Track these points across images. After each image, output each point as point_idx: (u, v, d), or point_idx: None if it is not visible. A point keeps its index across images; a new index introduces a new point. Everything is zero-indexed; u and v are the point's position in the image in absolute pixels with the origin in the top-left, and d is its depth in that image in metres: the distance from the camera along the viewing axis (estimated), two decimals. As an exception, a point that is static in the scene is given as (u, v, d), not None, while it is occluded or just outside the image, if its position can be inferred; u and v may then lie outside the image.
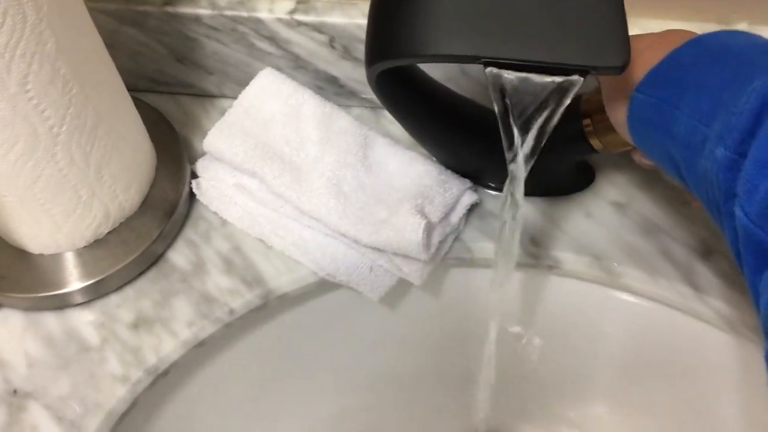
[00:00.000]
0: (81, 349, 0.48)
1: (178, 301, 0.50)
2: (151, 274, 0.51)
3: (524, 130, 0.39)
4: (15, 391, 0.47)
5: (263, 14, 0.52)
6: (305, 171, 0.52)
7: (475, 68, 0.38)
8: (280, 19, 0.52)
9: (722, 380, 0.53)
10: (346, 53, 0.53)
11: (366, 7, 0.41)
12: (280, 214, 0.52)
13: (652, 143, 0.40)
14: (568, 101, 0.37)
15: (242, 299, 0.50)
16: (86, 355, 0.48)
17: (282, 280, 0.51)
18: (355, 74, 0.55)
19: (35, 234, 0.48)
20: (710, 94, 0.36)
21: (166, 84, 0.58)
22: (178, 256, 0.52)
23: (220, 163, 0.53)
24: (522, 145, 0.39)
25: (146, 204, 0.51)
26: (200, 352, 0.50)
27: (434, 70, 0.50)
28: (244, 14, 0.51)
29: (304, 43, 0.53)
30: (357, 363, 0.59)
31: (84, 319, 0.49)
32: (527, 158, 0.40)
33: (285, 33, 0.53)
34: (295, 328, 0.55)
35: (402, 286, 0.52)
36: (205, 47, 0.55)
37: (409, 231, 0.48)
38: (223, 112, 0.54)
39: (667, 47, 0.39)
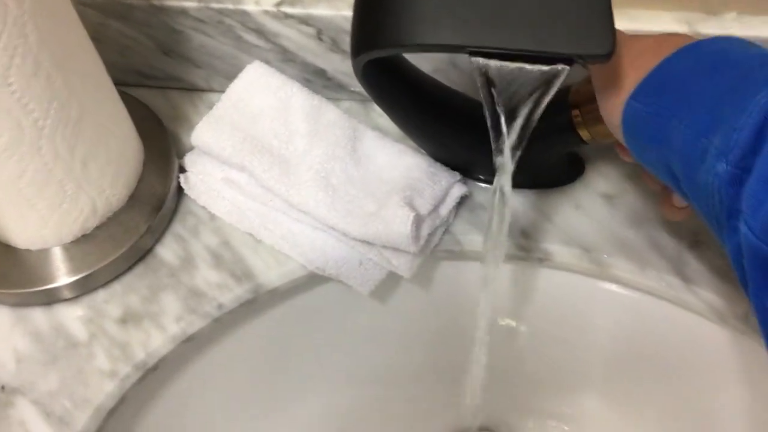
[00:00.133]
0: (69, 345, 0.48)
1: (167, 295, 0.50)
2: (139, 269, 0.51)
3: (511, 120, 0.39)
4: (3, 387, 0.47)
5: (250, 6, 0.51)
6: (294, 164, 0.51)
7: (464, 60, 0.38)
8: (266, 12, 0.51)
9: (712, 371, 0.53)
10: (334, 46, 0.53)
11: (353, -2, 0.41)
12: (269, 208, 0.52)
13: (647, 151, 0.40)
14: (554, 90, 0.37)
15: (231, 294, 0.50)
16: (74, 351, 0.48)
17: (271, 274, 0.51)
18: (344, 67, 0.55)
19: (21, 229, 0.48)
20: (709, 105, 0.35)
21: (155, 78, 0.58)
22: (167, 250, 0.52)
23: (209, 157, 0.53)
24: (508, 134, 0.39)
25: (134, 198, 0.51)
26: (189, 347, 0.50)
27: (424, 63, 0.50)
28: (230, 6, 0.51)
29: (291, 36, 0.53)
30: (347, 357, 0.59)
31: (72, 315, 0.49)
32: (514, 148, 0.40)
33: (272, 25, 0.52)
34: (284, 322, 0.54)
35: (392, 280, 0.52)
36: (192, 40, 0.54)
37: (397, 223, 0.48)
38: (211, 106, 0.54)
39: (663, 53, 0.38)
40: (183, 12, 0.52)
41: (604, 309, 0.54)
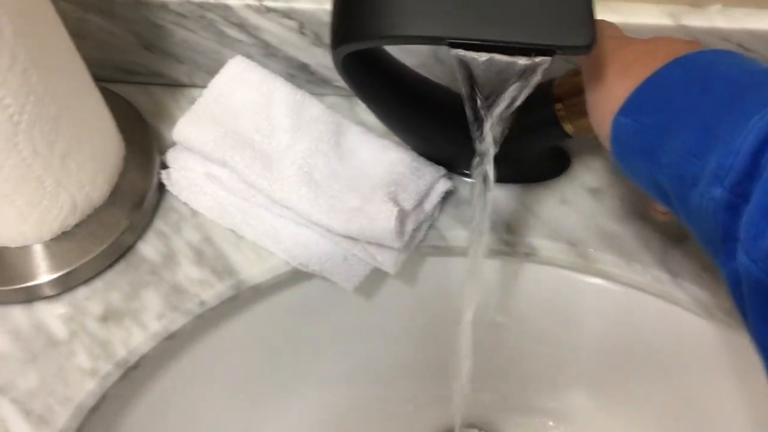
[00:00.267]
0: (49, 343, 0.48)
1: (148, 293, 0.49)
2: (120, 266, 0.50)
3: (491, 112, 0.38)
4: (-18, 386, 0.46)
5: (231, 0, 0.51)
6: (276, 159, 0.51)
7: (448, 54, 0.38)
8: (248, 6, 0.51)
9: (699, 364, 0.53)
10: (317, 40, 0.53)
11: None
12: (252, 204, 0.51)
13: (636, 168, 0.39)
14: (534, 82, 0.37)
15: (213, 290, 0.50)
16: (54, 349, 0.47)
17: (254, 271, 0.50)
18: (327, 61, 0.54)
19: (0, 226, 0.47)
20: (701, 124, 0.35)
21: (137, 74, 0.58)
22: (148, 247, 0.51)
23: (190, 153, 0.52)
24: (489, 127, 0.39)
25: (115, 195, 0.50)
26: (171, 344, 0.49)
27: (408, 57, 0.50)
28: (212, 0, 0.51)
29: (273, 30, 0.53)
30: (333, 354, 0.59)
31: (52, 313, 0.49)
32: (495, 141, 0.39)
33: (254, 19, 0.52)
34: (268, 319, 0.54)
35: (377, 276, 0.52)
36: (173, 35, 0.54)
37: (381, 219, 0.48)
38: (193, 102, 0.53)
39: (653, 63, 0.37)
40: (164, 6, 0.52)
41: (591, 304, 0.54)
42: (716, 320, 0.49)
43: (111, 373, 0.47)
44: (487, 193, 0.42)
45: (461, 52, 0.37)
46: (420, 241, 0.52)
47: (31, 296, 0.49)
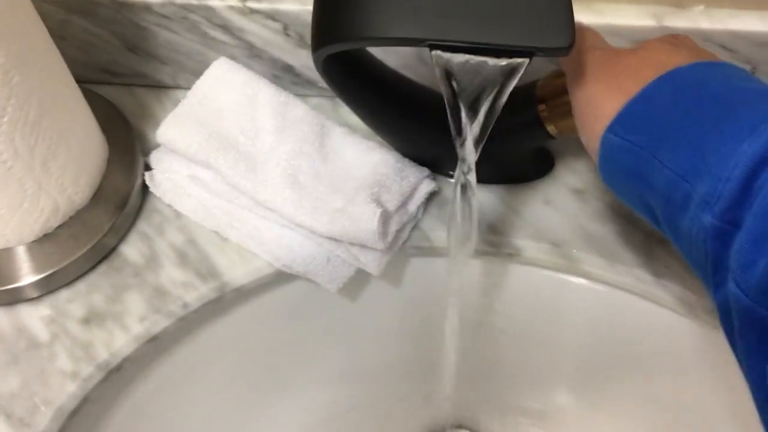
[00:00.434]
0: (31, 345, 0.47)
1: (131, 295, 0.49)
2: (102, 268, 0.50)
3: (472, 114, 0.38)
4: (-38, 389, 0.46)
5: (214, 2, 0.51)
6: (260, 161, 0.51)
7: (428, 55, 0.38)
8: (232, 7, 0.51)
9: (683, 364, 0.53)
10: (302, 41, 0.53)
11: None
12: (235, 205, 0.51)
13: (625, 186, 0.39)
14: (514, 83, 0.37)
15: (196, 292, 0.49)
16: (36, 352, 0.47)
17: (237, 272, 0.50)
18: (311, 63, 0.54)
19: (-19, 229, 0.47)
20: (691, 145, 0.34)
21: (121, 75, 0.57)
22: (131, 249, 0.51)
23: (174, 155, 0.52)
24: (470, 128, 0.39)
25: (98, 197, 0.50)
26: (154, 346, 0.49)
27: (391, 58, 0.50)
28: (194, 2, 0.50)
29: (258, 32, 0.52)
30: (317, 356, 0.59)
31: (34, 315, 0.48)
32: (476, 142, 0.39)
33: (238, 21, 0.52)
34: (252, 321, 0.54)
35: (361, 277, 0.52)
36: (157, 37, 0.54)
37: (364, 220, 0.48)
38: (177, 103, 0.53)
39: (643, 76, 0.37)
40: (147, 8, 0.52)
41: (575, 304, 0.54)
42: (699, 320, 0.50)
43: (93, 375, 0.47)
44: (470, 199, 0.42)
45: (441, 53, 0.37)
46: (404, 241, 0.52)
47: (12, 298, 0.48)
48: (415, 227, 0.52)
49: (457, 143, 0.40)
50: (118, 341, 0.48)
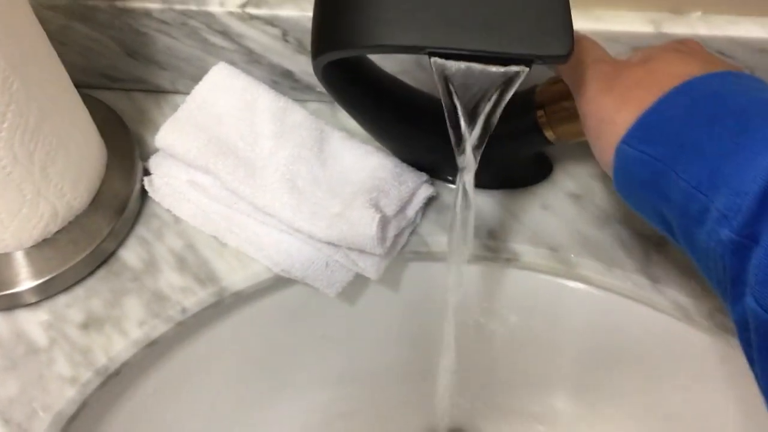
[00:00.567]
0: (29, 351, 0.48)
1: (130, 300, 0.49)
2: (101, 272, 0.50)
3: (471, 121, 0.38)
4: (-39, 395, 0.46)
5: (214, 8, 0.51)
6: (259, 166, 0.51)
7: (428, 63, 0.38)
8: (231, 13, 0.51)
9: (680, 368, 0.53)
10: (301, 47, 0.53)
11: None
12: (234, 211, 0.51)
13: (641, 199, 0.38)
14: (513, 90, 0.37)
15: (195, 297, 0.50)
16: (34, 357, 0.47)
17: (236, 277, 0.50)
18: (310, 68, 0.54)
19: (-20, 234, 0.47)
20: (707, 158, 0.34)
21: (120, 80, 0.57)
22: (130, 254, 0.51)
23: (173, 160, 0.52)
24: (470, 135, 0.39)
25: (96, 202, 0.50)
26: (152, 351, 0.49)
27: (390, 64, 0.50)
28: (194, 8, 0.51)
29: (257, 37, 0.53)
30: (316, 361, 0.59)
31: (33, 320, 0.48)
32: (476, 148, 0.40)
33: (237, 27, 0.52)
34: (251, 326, 0.54)
35: (360, 282, 0.52)
36: (156, 42, 0.54)
37: (363, 225, 0.48)
38: (176, 108, 0.53)
39: (656, 88, 0.36)
40: (147, 14, 0.52)
41: (572, 308, 0.54)
42: (696, 324, 0.50)
43: (91, 380, 0.47)
44: (469, 204, 0.42)
45: (440, 61, 0.37)
46: (402, 246, 0.52)
47: (11, 303, 0.48)
48: (413, 232, 0.52)
49: (456, 150, 0.40)
50: (116, 346, 0.48)
